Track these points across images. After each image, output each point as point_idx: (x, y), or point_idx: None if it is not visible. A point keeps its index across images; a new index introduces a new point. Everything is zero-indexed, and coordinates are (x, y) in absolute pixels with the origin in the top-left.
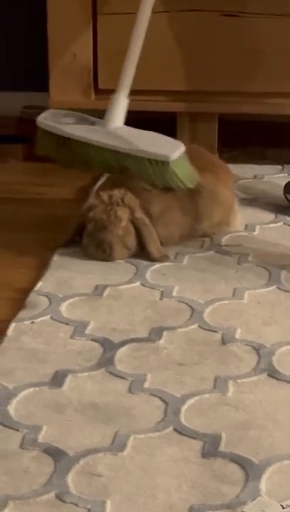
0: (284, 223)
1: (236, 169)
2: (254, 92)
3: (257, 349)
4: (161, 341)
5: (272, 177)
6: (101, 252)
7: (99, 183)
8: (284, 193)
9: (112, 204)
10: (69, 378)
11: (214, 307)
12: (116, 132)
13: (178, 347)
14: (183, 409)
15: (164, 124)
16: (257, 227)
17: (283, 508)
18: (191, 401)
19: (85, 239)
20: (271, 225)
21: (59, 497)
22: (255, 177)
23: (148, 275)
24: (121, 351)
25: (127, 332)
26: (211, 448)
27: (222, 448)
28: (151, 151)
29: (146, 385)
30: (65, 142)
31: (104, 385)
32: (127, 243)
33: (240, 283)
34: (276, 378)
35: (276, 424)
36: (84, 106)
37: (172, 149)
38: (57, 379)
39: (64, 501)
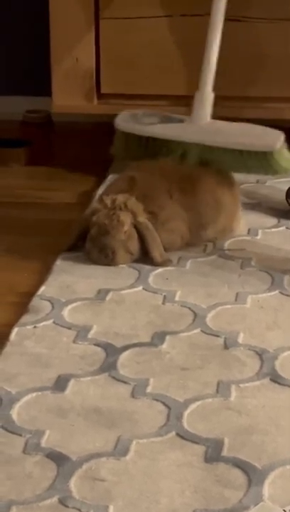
0: (287, 228)
1: (238, 174)
2: (257, 97)
3: (260, 354)
4: (164, 346)
5: (275, 182)
6: (104, 257)
7: (102, 188)
8: (287, 198)
9: (115, 209)
10: (72, 383)
11: (217, 312)
12: (210, 127)
13: (180, 351)
14: (186, 413)
15: None
16: (260, 232)
17: None
18: (194, 406)
19: (88, 243)
20: (273, 230)
21: (62, 502)
22: (258, 182)
23: (150, 280)
24: (124, 356)
25: (130, 336)
26: (214, 453)
27: (224, 453)
28: (254, 143)
29: (149, 389)
30: (152, 143)
31: (107, 389)
32: (130, 248)
33: (243, 287)
34: (279, 383)
35: (279, 429)
36: (87, 110)
37: (273, 139)
38: (60, 383)
39: (67, 506)
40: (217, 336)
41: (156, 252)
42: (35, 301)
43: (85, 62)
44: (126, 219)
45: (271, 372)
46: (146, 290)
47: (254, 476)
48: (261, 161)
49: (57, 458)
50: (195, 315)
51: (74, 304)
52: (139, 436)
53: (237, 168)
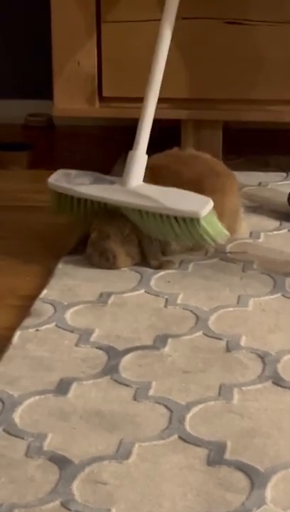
0: (289, 230)
1: (240, 176)
2: (259, 100)
3: (262, 357)
4: (166, 349)
5: (276, 184)
6: (105, 261)
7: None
8: (288, 201)
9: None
10: (74, 386)
11: (218, 314)
12: (138, 191)
13: (182, 354)
14: (188, 416)
15: (168, 131)
16: (262, 235)
17: None
18: (196, 409)
19: (89, 248)
20: (275, 233)
21: (64, 505)
22: (259, 184)
23: (152, 283)
24: (126, 359)
25: (132, 340)
26: (216, 456)
27: (227, 456)
28: (181, 209)
29: (151, 392)
30: (83, 203)
31: (109, 392)
32: (130, 252)
33: (245, 290)
34: (281, 386)
35: (282, 432)
36: (88, 114)
37: (200, 205)
38: (62, 387)
39: (69, 509)
40: (219, 339)
41: (152, 256)
42: (37, 305)
43: (87, 66)
44: (127, 223)
45: (274, 375)
46: (147, 293)
47: (256, 479)
48: (189, 229)
49: (60, 461)
50: (197, 318)
51: (76, 307)
52: (141, 439)
53: (164, 234)
